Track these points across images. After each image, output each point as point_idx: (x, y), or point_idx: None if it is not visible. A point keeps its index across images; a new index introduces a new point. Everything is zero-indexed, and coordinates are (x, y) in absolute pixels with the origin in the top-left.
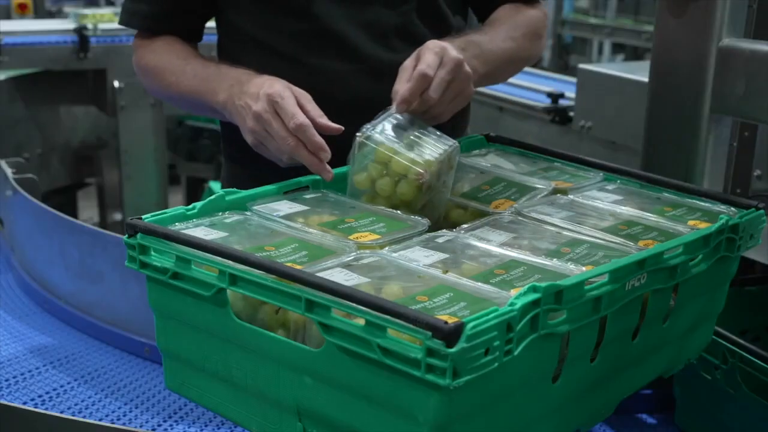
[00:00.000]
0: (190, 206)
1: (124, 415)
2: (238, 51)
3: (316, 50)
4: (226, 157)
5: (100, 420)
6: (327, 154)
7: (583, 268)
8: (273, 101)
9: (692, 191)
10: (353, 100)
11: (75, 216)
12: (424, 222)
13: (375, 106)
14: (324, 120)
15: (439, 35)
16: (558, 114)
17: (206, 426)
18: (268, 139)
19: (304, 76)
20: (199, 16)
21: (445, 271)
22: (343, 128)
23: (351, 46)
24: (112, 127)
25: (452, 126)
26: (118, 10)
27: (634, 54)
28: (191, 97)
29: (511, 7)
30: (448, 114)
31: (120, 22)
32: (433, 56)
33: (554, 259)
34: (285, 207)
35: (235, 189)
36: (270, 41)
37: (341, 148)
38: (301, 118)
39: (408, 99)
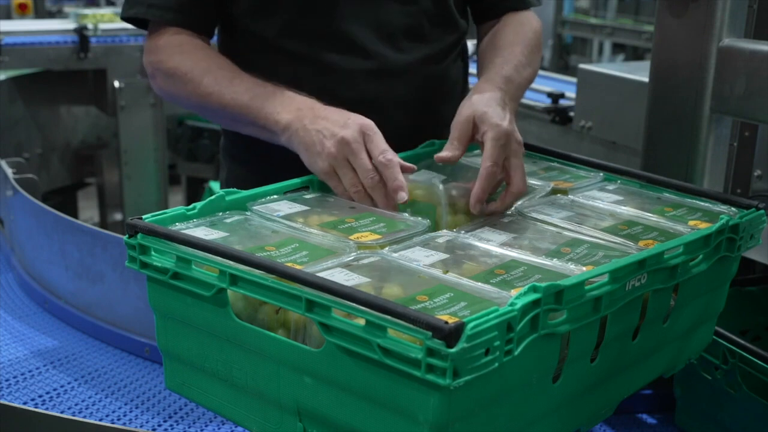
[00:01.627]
0: (191, 206)
1: (124, 415)
2: (244, 49)
3: (325, 49)
4: (226, 155)
5: (100, 420)
6: (405, 195)
7: (584, 268)
8: (365, 132)
9: (692, 191)
10: (359, 99)
11: (75, 216)
12: (425, 222)
13: (381, 105)
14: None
15: (446, 36)
16: (558, 114)
17: (206, 426)
18: (346, 168)
19: (312, 74)
20: (215, 8)
21: (446, 271)
22: (415, 167)
23: (359, 45)
24: (112, 127)
25: (445, 123)
26: (119, 10)
27: (634, 54)
28: (235, 111)
29: (514, 19)
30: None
31: (132, 15)
32: (498, 149)
33: (554, 259)
34: (285, 207)
35: (235, 189)
36: (277, 40)
37: None
38: (393, 154)
39: (481, 198)
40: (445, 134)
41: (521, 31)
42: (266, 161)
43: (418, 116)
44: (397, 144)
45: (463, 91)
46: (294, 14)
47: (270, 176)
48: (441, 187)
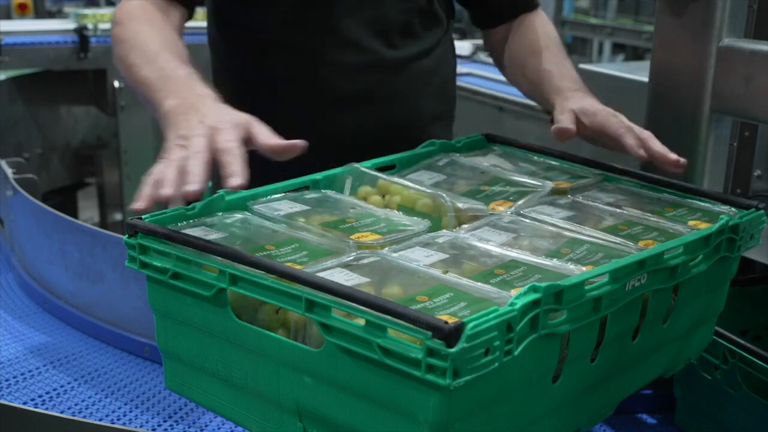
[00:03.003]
0: (190, 206)
1: (124, 415)
2: (238, 44)
3: (321, 43)
4: None
5: (100, 420)
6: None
7: (584, 268)
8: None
9: (692, 191)
10: (354, 93)
11: (75, 216)
12: (425, 222)
13: (374, 99)
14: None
15: (433, 33)
16: None
17: (206, 426)
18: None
19: (308, 67)
20: None
21: (445, 271)
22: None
23: (354, 40)
24: (112, 127)
25: (433, 115)
26: None
27: (634, 54)
28: (141, 90)
29: (533, 20)
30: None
31: None
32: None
33: (554, 260)
34: (286, 206)
35: None
36: (272, 32)
37: (342, 143)
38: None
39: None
40: (437, 128)
41: (543, 32)
42: (268, 159)
43: (410, 110)
44: (389, 135)
45: (452, 83)
46: (291, 7)
47: (271, 175)
48: (448, 200)
